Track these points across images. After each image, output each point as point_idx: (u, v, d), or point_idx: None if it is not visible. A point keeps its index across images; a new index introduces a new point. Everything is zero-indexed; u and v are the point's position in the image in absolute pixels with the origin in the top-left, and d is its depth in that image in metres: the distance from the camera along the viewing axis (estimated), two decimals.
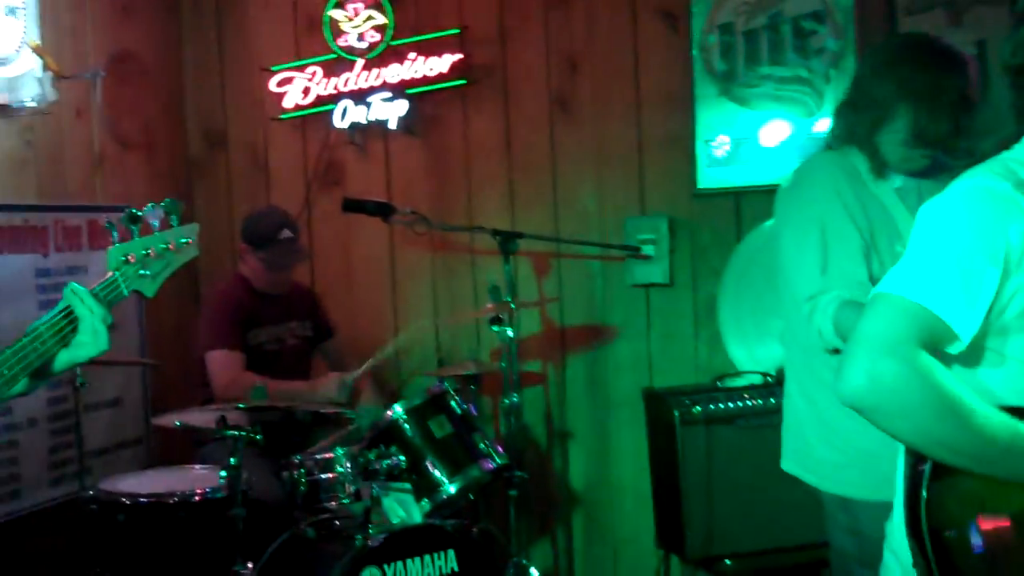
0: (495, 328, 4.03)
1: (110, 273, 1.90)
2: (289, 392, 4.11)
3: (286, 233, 4.39)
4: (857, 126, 2.72)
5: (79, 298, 1.84)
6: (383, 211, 4.26)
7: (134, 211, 1.95)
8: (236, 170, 5.27)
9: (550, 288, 4.73)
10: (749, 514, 3.95)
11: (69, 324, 1.81)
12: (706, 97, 4.49)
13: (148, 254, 1.96)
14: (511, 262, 4.17)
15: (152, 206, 1.98)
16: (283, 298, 4.49)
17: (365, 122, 4.92)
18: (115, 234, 1.95)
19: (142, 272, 1.94)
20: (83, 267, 4.45)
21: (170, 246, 2.00)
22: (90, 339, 1.86)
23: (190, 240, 2.04)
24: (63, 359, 1.85)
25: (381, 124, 4.91)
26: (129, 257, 1.93)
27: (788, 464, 2.90)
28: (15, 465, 4.12)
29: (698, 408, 4.01)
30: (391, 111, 4.86)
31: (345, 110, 4.92)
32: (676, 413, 4.01)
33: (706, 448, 3.98)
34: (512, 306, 4.10)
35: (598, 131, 4.67)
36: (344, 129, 4.96)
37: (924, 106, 2.64)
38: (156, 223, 1.99)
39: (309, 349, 4.62)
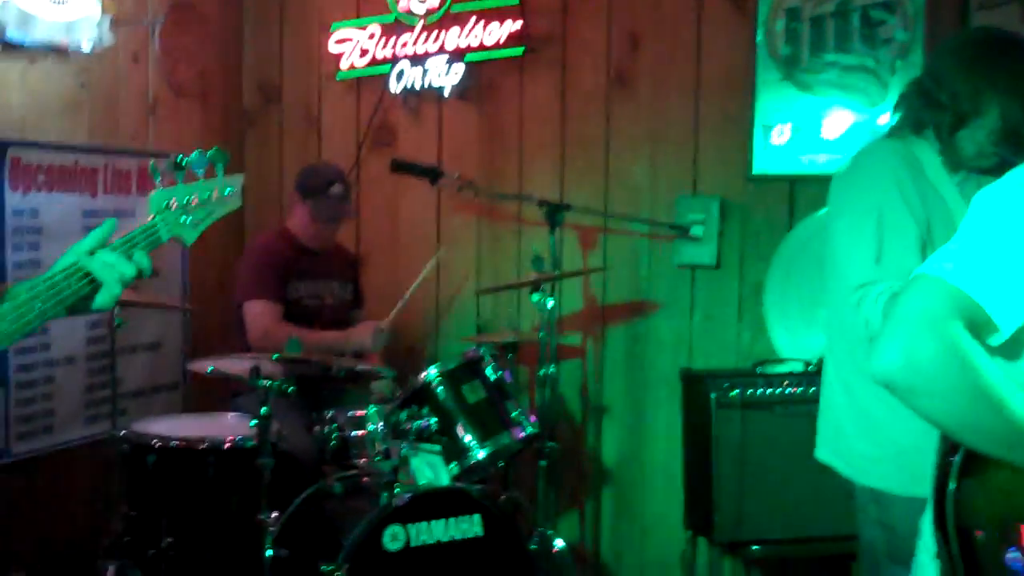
0: (536, 298, 4.02)
1: (151, 217, 1.89)
2: (323, 342, 4.12)
3: (337, 188, 4.40)
4: (935, 120, 2.66)
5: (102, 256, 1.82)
6: (431, 174, 4.27)
7: (180, 158, 1.93)
8: (288, 126, 5.29)
9: (594, 262, 4.69)
10: (780, 501, 3.92)
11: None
12: (768, 81, 4.42)
13: (190, 201, 1.94)
14: (557, 233, 4.16)
15: (198, 154, 1.97)
16: (326, 256, 4.50)
17: (420, 86, 4.91)
18: (159, 179, 1.94)
19: (183, 219, 1.93)
20: (130, 211, 4.49)
21: (213, 195, 1.98)
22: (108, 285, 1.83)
23: (234, 190, 2.02)
24: (94, 304, 1.84)
25: (436, 89, 4.90)
26: (171, 203, 1.91)
27: (822, 453, 2.87)
28: (50, 401, 4.17)
29: (735, 392, 3.97)
30: (447, 76, 4.84)
31: (401, 73, 4.91)
32: (713, 396, 3.97)
33: (741, 433, 3.94)
34: (555, 277, 4.08)
35: (655, 108, 4.62)
36: (398, 92, 4.95)
37: (1017, 103, 2.57)
38: (201, 171, 1.97)
39: (347, 311, 4.62)
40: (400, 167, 4.25)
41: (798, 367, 4.14)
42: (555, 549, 4.00)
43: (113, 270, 1.81)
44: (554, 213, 4.15)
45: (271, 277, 4.29)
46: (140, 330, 4.54)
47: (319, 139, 5.23)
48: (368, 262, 5.02)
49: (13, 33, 3.84)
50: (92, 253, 1.79)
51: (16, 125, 4.00)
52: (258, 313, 4.24)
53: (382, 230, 5.01)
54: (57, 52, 4.08)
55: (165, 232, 1.90)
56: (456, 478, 3.70)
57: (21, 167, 3.98)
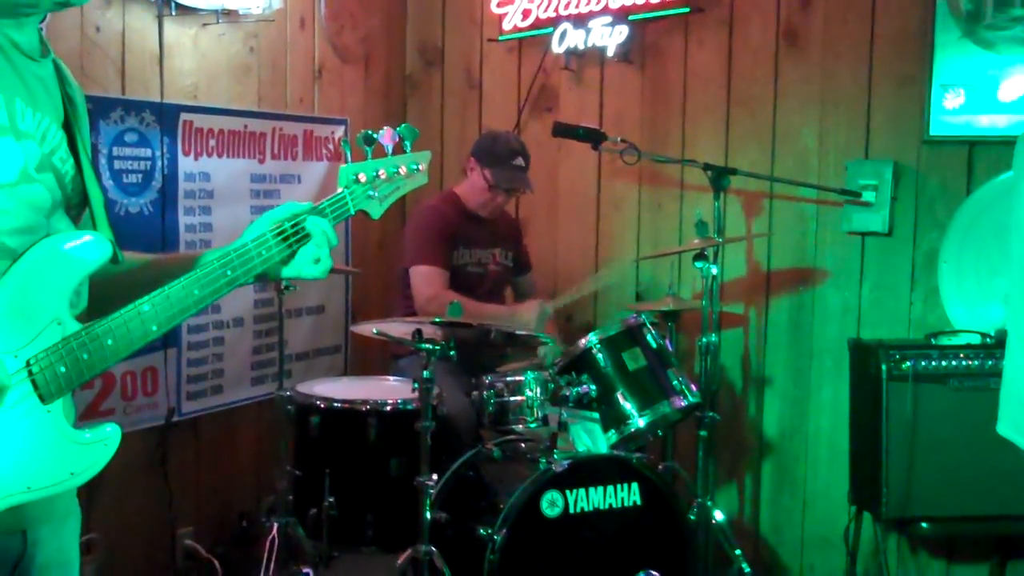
0: (698, 265, 3.98)
1: (340, 189, 1.94)
2: (487, 314, 4.16)
3: (519, 161, 4.43)
4: None
5: (315, 220, 1.87)
6: (593, 138, 4.25)
7: (370, 133, 1.99)
8: (450, 89, 5.35)
9: (759, 228, 4.63)
10: (952, 478, 3.84)
11: (296, 236, 1.85)
12: (947, 38, 4.27)
13: (378, 176, 1.99)
14: (721, 199, 4.11)
15: (387, 130, 2.01)
16: (491, 223, 4.54)
17: (583, 47, 4.90)
18: (348, 152, 1.99)
19: (370, 193, 1.97)
20: (296, 176, 4.61)
21: (400, 170, 2.03)
22: (318, 257, 1.88)
23: (421, 167, 2.07)
24: (285, 272, 1.89)
25: (599, 50, 4.88)
26: (359, 177, 1.96)
27: (1005, 428, 2.76)
28: (219, 362, 4.33)
29: (908, 364, 3.89)
30: (610, 37, 4.82)
31: (564, 34, 4.91)
32: (884, 367, 3.89)
33: (912, 406, 3.85)
34: (718, 243, 4.04)
35: (826, 68, 4.51)
36: (561, 54, 4.96)
37: None
38: (390, 146, 2.02)
39: (508, 278, 4.67)
40: (562, 131, 4.25)
41: (975, 339, 4.03)
42: (714, 521, 3.98)
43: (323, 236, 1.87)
44: (718, 177, 4.09)
45: (439, 242, 4.35)
46: (305, 294, 4.67)
47: (480, 103, 5.27)
48: (528, 228, 5.04)
49: None
50: (279, 227, 1.84)
51: (188, 90, 4.14)
52: (425, 278, 4.30)
53: (542, 195, 5.03)
54: (228, 16, 4.20)
55: (353, 205, 1.95)
56: (614, 446, 3.72)
57: (193, 131, 4.12)
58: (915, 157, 4.37)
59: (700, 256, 3.98)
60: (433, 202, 4.49)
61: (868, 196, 4.39)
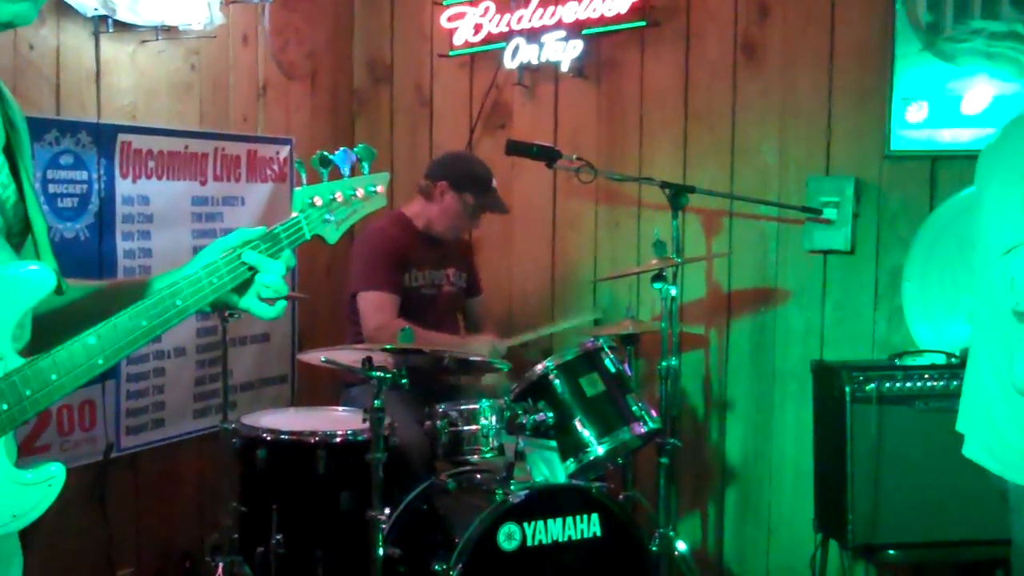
0: (657, 286, 4.00)
1: (295, 214, 1.92)
2: (438, 344, 4.14)
3: (495, 182, 4.44)
4: None
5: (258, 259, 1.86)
6: (548, 156, 4.26)
7: (325, 154, 1.97)
8: (399, 106, 5.35)
9: (719, 247, 4.67)
10: (920, 502, 3.88)
11: (246, 267, 1.85)
12: (907, 50, 4.34)
13: (335, 199, 1.97)
14: (679, 217, 4.13)
15: (344, 151, 2.00)
16: (443, 243, 4.53)
17: (536, 62, 4.92)
18: (303, 174, 1.98)
19: (327, 217, 1.96)
20: (239, 198, 4.60)
21: (358, 193, 2.01)
22: (274, 287, 1.88)
23: (379, 188, 2.05)
24: (239, 303, 1.88)
25: (553, 65, 4.91)
26: (315, 200, 1.94)
27: (971, 450, 2.80)
28: (161, 393, 4.29)
29: (872, 385, 3.93)
30: (564, 52, 4.85)
31: (516, 49, 4.93)
32: (847, 389, 3.93)
33: (877, 429, 3.90)
34: (678, 263, 4.06)
35: (785, 82, 4.57)
36: (513, 69, 4.98)
37: None
38: (347, 168, 2.00)
39: (462, 300, 4.66)
40: (516, 149, 4.26)
41: (940, 359, 4.07)
42: (676, 552, 3.99)
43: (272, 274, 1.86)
44: (677, 195, 4.11)
45: (389, 267, 4.33)
46: (250, 322, 4.63)
47: (431, 120, 5.28)
48: (481, 249, 5.05)
49: (124, 13, 3.95)
50: (232, 254, 1.84)
51: (126, 109, 4.12)
52: (373, 305, 4.29)
53: (495, 215, 5.03)
54: (168, 32, 4.18)
55: (308, 230, 1.94)
56: (573, 475, 3.71)
57: (132, 152, 4.10)
58: (877, 173, 4.43)
59: (659, 277, 3.99)
60: (381, 224, 4.46)
61: (829, 213, 4.43)
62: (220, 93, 4.58)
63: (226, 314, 3.98)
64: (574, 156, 4.21)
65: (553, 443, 3.69)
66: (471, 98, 5.18)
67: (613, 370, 3.89)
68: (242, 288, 1.87)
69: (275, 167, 4.77)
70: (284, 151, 4.83)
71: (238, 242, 1.86)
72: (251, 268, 1.85)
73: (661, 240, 4.08)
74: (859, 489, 3.90)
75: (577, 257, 4.99)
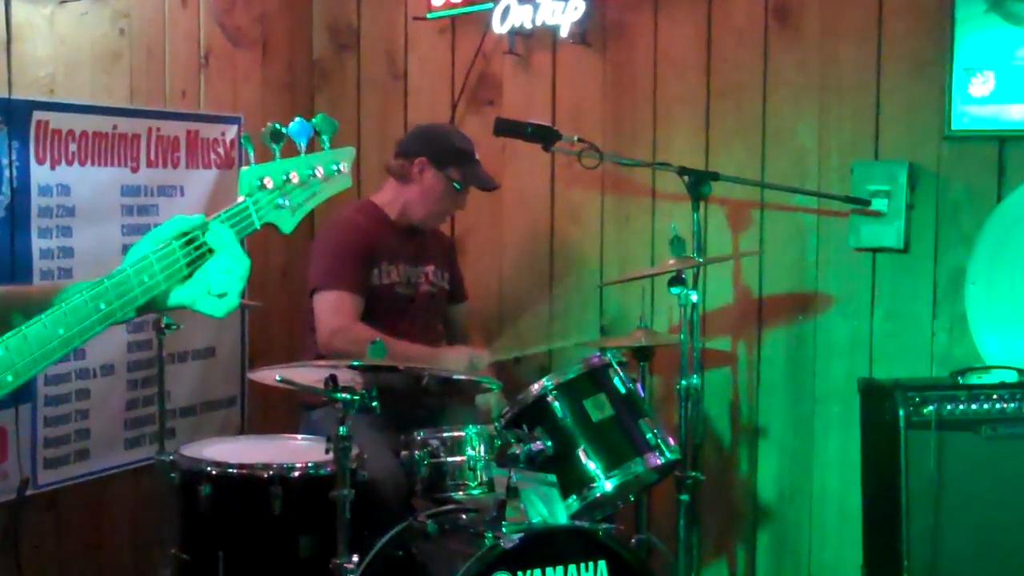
0: (675, 291, 3.99)
1: (241, 198, 1.90)
2: (407, 355, 4.12)
3: (477, 155, 4.47)
4: None
5: (217, 229, 1.84)
6: (545, 137, 4.26)
7: (277, 127, 1.93)
8: (368, 79, 5.35)
9: (748, 245, 4.66)
10: (988, 544, 3.87)
11: (188, 259, 1.82)
12: (970, 13, 4.33)
13: (289, 180, 1.94)
14: (701, 209, 4.12)
15: (300, 123, 1.96)
16: (421, 236, 4.54)
17: (530, 26, 4.92)
18: (251, 151, 1.94)
19: (279, 202, 1.93)
20: (178, 187, 4.59)
21: (317, 172, 1.98)
22: (224, 283, 1.86)
23: (342, 167, 2.02)
24: (177, 300, 1.86)
25: (550, 30, 4.91)
26: (265, 181, 1.91)
27: None
28: (85, 419, 4.28)
29: (930, 408, 3.92)
30: (564, 14, 4.85)
31: (507, 10, 4.93)
32: (902, 412, 3.92)
33: (937, 458, 3.88)
34: (699, 264, 4.05)
35: (825, 51, 4.57)
36: (504, 35, 4.98)
37: None
38: (304, 143, 1.97)
39: (443, 304, 4.65)
40: (506, 129, 4.26)
41: (1011, 376, 4.07)
42: None
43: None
44: (698, 183, 4.11)
45: (352, 262, 4.32)
46: (191, 334, 4.62)
47: (405, 95, 5.28)
48: (464, 248, 5.04)
49: None
50: (167, 247, 1.81)
51: (43, 83, 4.11)
52: (332, 306, 4.27)
53: (482, 208, 5.02)
54: None
55: (258, 217, 1.91)
56: (576, 515, 3.70)
57: (49, 133, 4.08)
58: (935, 156, 4.43)
59: (677, 280, 3.99)
60: (346, 214, 4.46)
61: (879, 204, 4.43)
62: (155, 63, 4.56)
63: (162, 325, 3.97)
64: (575, 137, 4.20)
65: (552, 477, 3.68)
66: (453, 69, 5.17)
67: (623, 390, 3.88)
68: (182, 282, 1.84)
69: (220, 151, 4.77)
70: (231, 131, 4.82)
71: (174, 232, 1.84)
72: (196, 260, 1.83)
73: (679, 236, 4.09)
74: (915, 530, 3.89)
75: (580, 257, 4.99)
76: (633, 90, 4.88)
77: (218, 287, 1.85)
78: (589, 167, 4.20)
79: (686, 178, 4.13)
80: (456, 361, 4.22)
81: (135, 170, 4.42)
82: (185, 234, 1.83)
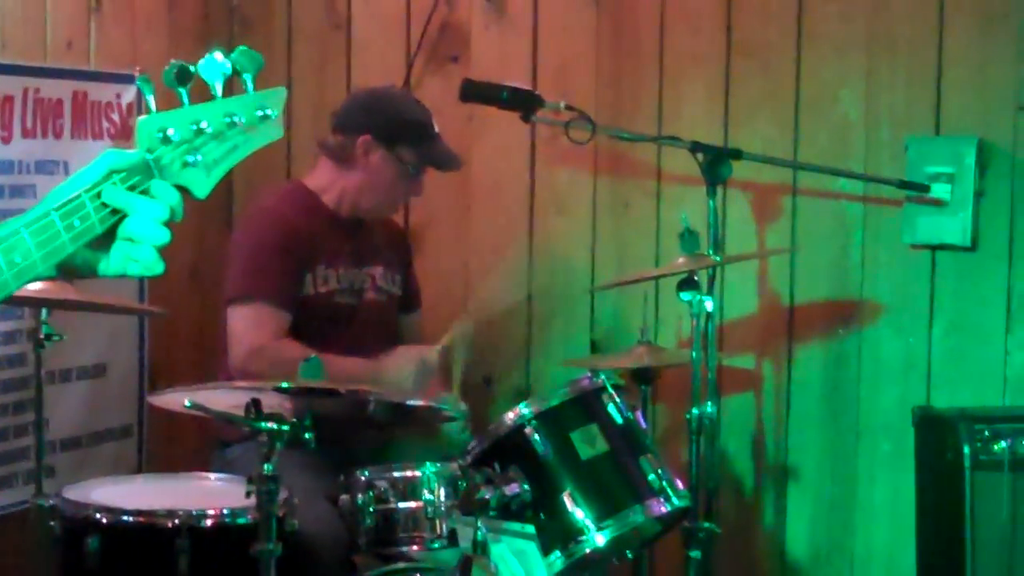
0: (686, 296, 4.02)
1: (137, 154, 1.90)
2: (343, 371, 4.12)
3: (436, 128, 4.48)
4: None
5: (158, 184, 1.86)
6: (524, 103, 4.29)
7: (184, 64, 1.89)
8: (301, 29, 5.36)
9: (777, 241, 4.70)
10: None
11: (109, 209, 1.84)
12: None
13: (201, 130, 1.92)
14: (719, 196, 4.15)
15: (212, 59, 1.90)
16: (366, 231, 4.55)
17: None
18: (150, 97, 1.92)
19: (188, 159, 1.91)
20: (61, 162, 4.59)
21: (238, 121, 1.95)
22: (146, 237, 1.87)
23: (269, 112, 1.99)
24: (105, 267, 1.88)
25: None
26: (168, 133, 1.90)
27: None
28: None
29: (1003, 444, 3.96)
30: None
31: None
32: (967, 449, 3.97)
33: (1011, 506, 3.93)
34: (716, 263, 4.08)
35: (874, 1, 4.60)
36: None
37: None
38: (219, 85, 1.95)
39: (394, 312, 4.66)
40: (475, 93, 4.28)
41: None
42: None
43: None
44: (715, 164, 4.14)
45: (277, 267, 4.32)
46: (75, 347, 4.60)
47: (348, 50, 5.29)
48: (421, 243, 5.06)
49: None
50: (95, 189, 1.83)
51: None
52: (250, 321, 4.27)
53: (445, 191, 5.03)
54: None
55: (162, 179, 1.91)
56: (560, 575, 3.73)
57: None
58: (1011, 132, 4.46)
59: (688, 283, 4.02)
60: (271, 203, 4.46)
61: (940, 191, 4.46)
62: (32, 7, 4.57)
63: (40, 336, 3.97)
64: (562, 105, 4.23)
65: (531, 528, 3.70)
66: (408, 18, 5.19)
67: (619, 421, 3.91)
68: (105, 244, 1.87)
69: (114, 117, 4.76)
70: (128, 93, 4.82)
71: (104, 170, 1.86)
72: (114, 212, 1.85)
73: (691, 230, 4.11)
74: None
75: (566, 253, 5.02)
76: (635, 46, 4.90)
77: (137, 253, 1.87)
78: (579, 142, 4.23)
79: (700, 156, 4.16)
80: (401, 363, 4.24)
81: (6, 141, 4.41)
82: (122, 169, 1.86)
